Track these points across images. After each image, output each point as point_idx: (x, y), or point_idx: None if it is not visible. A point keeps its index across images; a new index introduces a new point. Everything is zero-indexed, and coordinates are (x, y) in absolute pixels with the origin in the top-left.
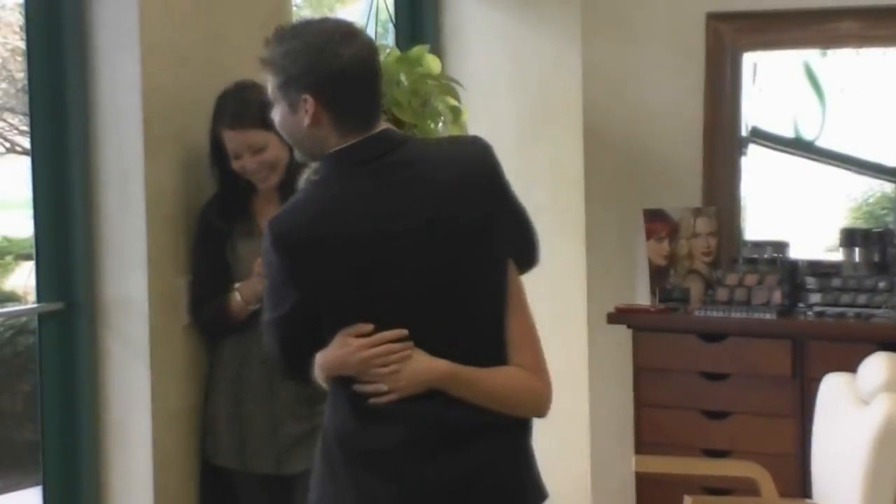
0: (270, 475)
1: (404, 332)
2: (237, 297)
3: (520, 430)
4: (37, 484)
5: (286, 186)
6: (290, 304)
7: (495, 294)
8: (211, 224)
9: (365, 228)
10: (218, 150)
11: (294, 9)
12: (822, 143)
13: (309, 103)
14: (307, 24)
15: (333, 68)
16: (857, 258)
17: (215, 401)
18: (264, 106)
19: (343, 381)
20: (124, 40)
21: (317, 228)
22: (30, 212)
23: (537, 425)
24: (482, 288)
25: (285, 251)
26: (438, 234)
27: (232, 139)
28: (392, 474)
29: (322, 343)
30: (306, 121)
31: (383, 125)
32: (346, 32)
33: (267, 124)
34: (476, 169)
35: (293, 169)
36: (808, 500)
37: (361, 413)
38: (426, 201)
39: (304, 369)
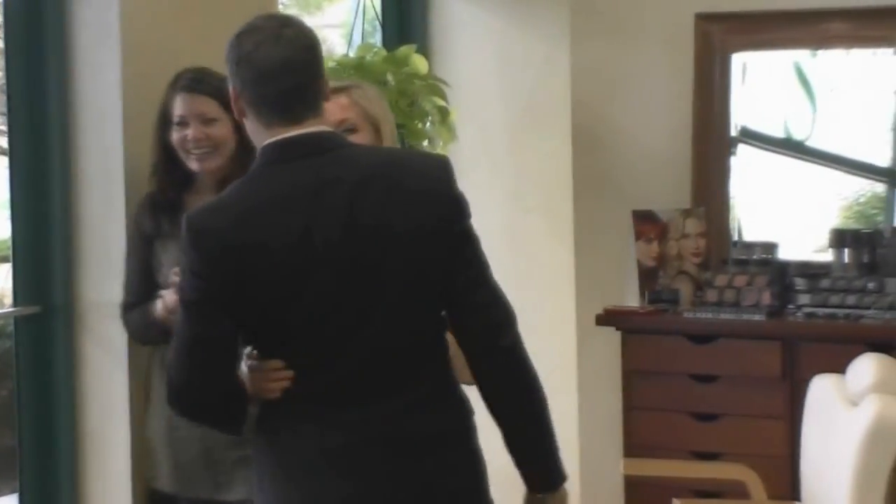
0: (209, 500)
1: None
2: (158, 305)
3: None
4: (13, 491)
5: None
6: (200, 297)
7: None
8: (140, 223)
9: (283, 237)
10: (163, 127)
11: (280, 6)
12: (812, 143)
13: (232, 93)
14: (251, 20)
15: (243, 60)
16: (846, 259)
17: (149, 422)
18: (224, 84)
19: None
20: (105, 40)
21: (236, 234)
22: (7, 213)
23: None
24: (404, 310)
25: (202, 250)
26: (358, 249)
27: (184, 103)
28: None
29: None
30: (235, 112)
31: (319, 127)
32: (274, 26)
33: (223, 102)
34: (428, 198)
35: (238, 174)
36: (797, 503)
37: (300, 418)
38: (352, 211)
39: (217, 394)
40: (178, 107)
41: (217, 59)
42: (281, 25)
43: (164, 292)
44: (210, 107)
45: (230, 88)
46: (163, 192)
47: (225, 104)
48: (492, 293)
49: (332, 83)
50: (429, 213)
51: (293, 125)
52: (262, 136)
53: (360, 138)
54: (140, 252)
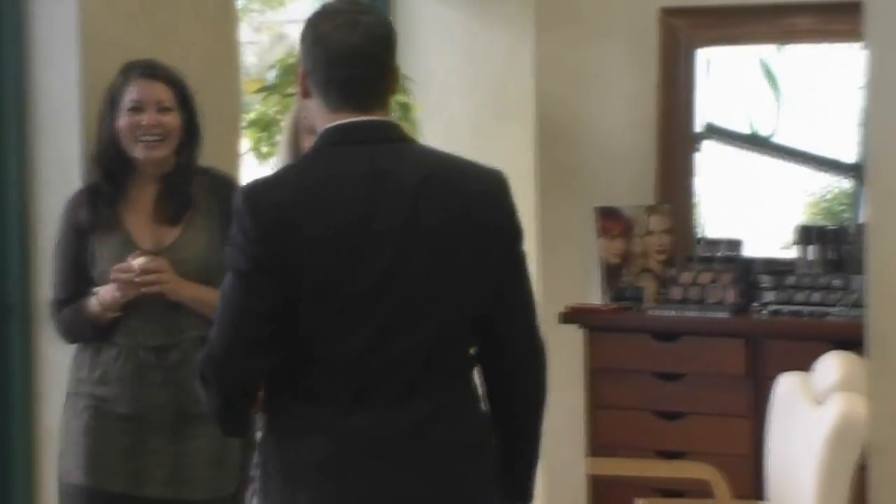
0: (125, 495)
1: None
2: (94, 302)
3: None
4: None
5: (170, 181)
6: (252, 268)
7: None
8: (75, 214)
9: (340, 219)
10: (111, 114)
11: (240, 3)
12: (778, 139)
13: (300, 73)
14: (329, 2)
15: (319, 40)
16: (811, 256)
17: (70, 420)
18: (175, 75)
19: (275, 404)
20: (62, 36)
21: (293, 209)
22: None
23: None
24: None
25: (258, 220)
26: (415, 246)
27: (141, 89)
28: (318, 490)
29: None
30: (300, 91)
31: (385, 117)
32: (353, 11)
33: (177, 92)
34: (487, 210)
35: (182, 168)
36: (761, 502)
37: (292, 425)
38: (416, 207)
39: (254, 371)
40: (134, 92)
41: (175, 54)
42: (360, 12)
43: (99, 289)
44: (166, 94)
45: (299, 68)
46: (107, 181)
47: (178, 95)
48: (533, 327)
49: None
50: (488, 230)
51: (359, 113)
52: (325, 119)
53: None
54: (73, 247)
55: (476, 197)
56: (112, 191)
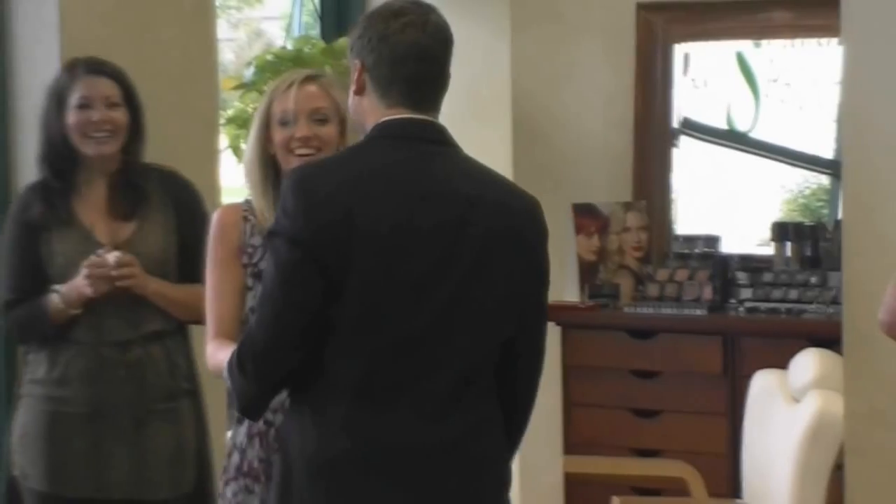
0: (88, 499)
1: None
2: (56, 299)
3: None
4: None
5: (122, 177)
6: (296, 258)
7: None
8: (27, 212)
9: (389, 213)
10: (59, 111)
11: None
12: (755, 135)
13: (357, 68)
14: (392, 1)
15: (387, 37)
16: (788, 252)
17: (27, 423)
18: (122, 70)
19: (301, 397)
20: (44, 35)
21: (342, 196)
22: None
23: None
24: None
25: (306, 205)
26: (458, 252)
27: (88, 85)
28: (345, 489)
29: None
30: (354, 87)
31: (435, 118)
32: (421, 12)
33: (123, 86)
34: (527, 229)
35: (131, 164)
36: (738, 501)
37: (321, 421)
38: (463, 217)
39: (292, 362)
40: (82, 89)
41: (152, 52)
42: (427, 12)
43: (61, 286)
44: (114, 90)
45: (355, 62)
46: (56, 178)
47: (124, 91)
48: (543, 349)
49: (303, 71)
50: (526, 248)
51: (413, 111)
52: (378, 114)
53: (330, 130)
54: (25, 245)
55: (519, 214)
56: (63, 187)
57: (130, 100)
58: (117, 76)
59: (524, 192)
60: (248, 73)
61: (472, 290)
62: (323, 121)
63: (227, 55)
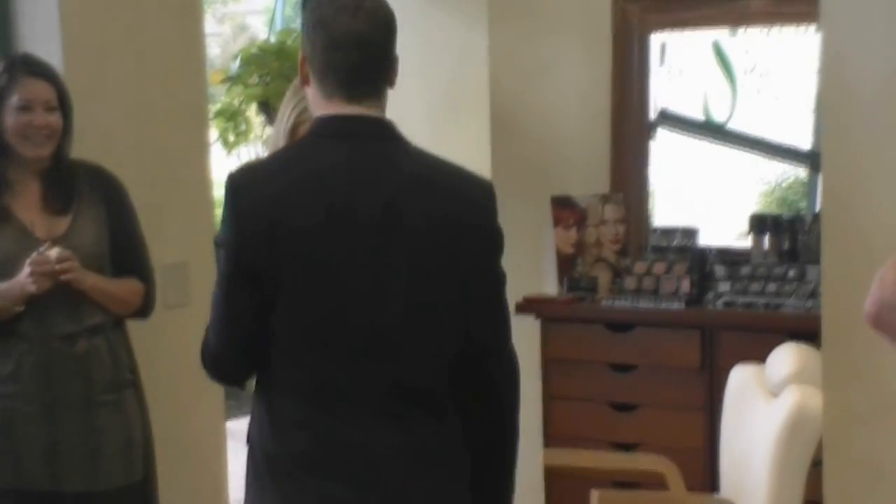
0: (47, 492)
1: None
2: None
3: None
4: None
5: (54, 173)
6: (231, 270)
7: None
8: None
9: (317, 217)
10: None
11: None
12: (732, 126)
13: (300, 61)
14: None
15: (319, 24)
16: (766, 246)
17: None
18: (55, 71)
19: (262, 395)
20: (46, 32)
21: (276, 199)
22: None
23: None
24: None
25: (241, 209)
26: (400, 238)
27: (29, 88)
28: (301, 486)
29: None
30: (300, 78)
31: (378, 112)
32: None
33: (58, 88)
34: (473, 216)
35: (62, 160)
36: (715, 496)
37: (276, 419)
38: (395, 200)
39: (243, 366)
40: (23, 92)
41: (140, 47)
42: (359, 4)
43: (1, 284)
44: (52, 94)
45: (300, 54)
46: None
47: (58, 93)
48: (506, 343)
49: None
50: (468, 243)
51: (353, 103)
52: (320, 106)
53: None
54: None
55: (463, 201)
56: (1, 186)
57: (63, 101)
58: (54, 79)
59: (473, 178)
60: (234, 66)
61: (415, 284)
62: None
63: (214, 49)
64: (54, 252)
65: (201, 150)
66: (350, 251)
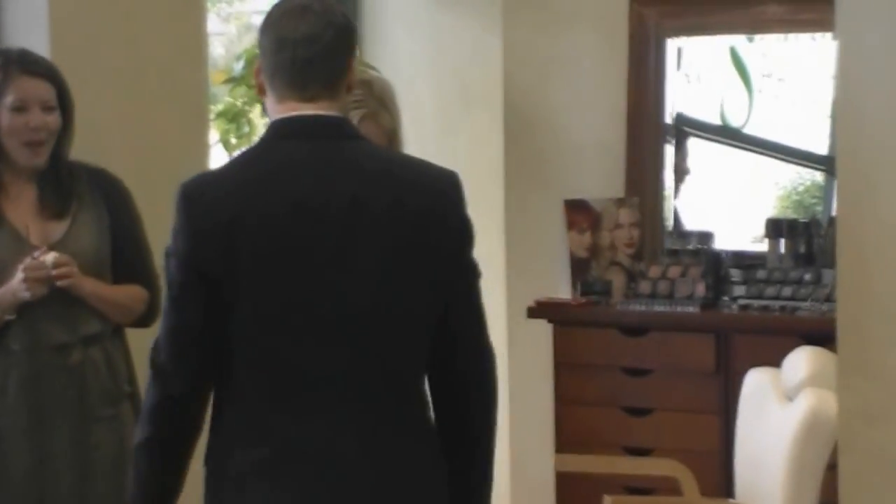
0: None
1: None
2: None
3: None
4: None
5: (52, 176)
6: (185, 279)
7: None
8: None
9: (274, 219)
10: None
11: None
12: (748, 131)
13: (257, 67)
14: None
15: (267, 27)
16: (782, 249)
17: None
18: (55, 67)
19: (219, 402)
20: (34, 18)
21: (229, 205)
22: None
23: None
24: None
25: (192, 218)
26: (363, 236)
27: (25, 86)
28: (265, 494)
29: (220, 348)
30: (256, 89)
31: (332, 111)
32: (304, 1)
33: (57, 86)
34: (438, 209)
35: (61, 162)
36: (730, 500)
37: (237, 429)
38: (356, 198)
39: (187, 381)
40: (18, 90)
41: (142, 45)
42: (312, 0)
43: None
44: (50, 92)
45: (256, 64)
46: None
47: (58, 90)
48: (481, 335)
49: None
50: (435, 234)
51: (305, 102)
52: (275, 111)
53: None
54: None
55: (427, 194)
56: None
57: (63, 99)
58: (52, 76)
59: (436, 170)
60: (238, 66)
61: (383, 277)
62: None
63: (217, 49)
64: (50, 257)
65: (201, 151)
66: (314, 246)
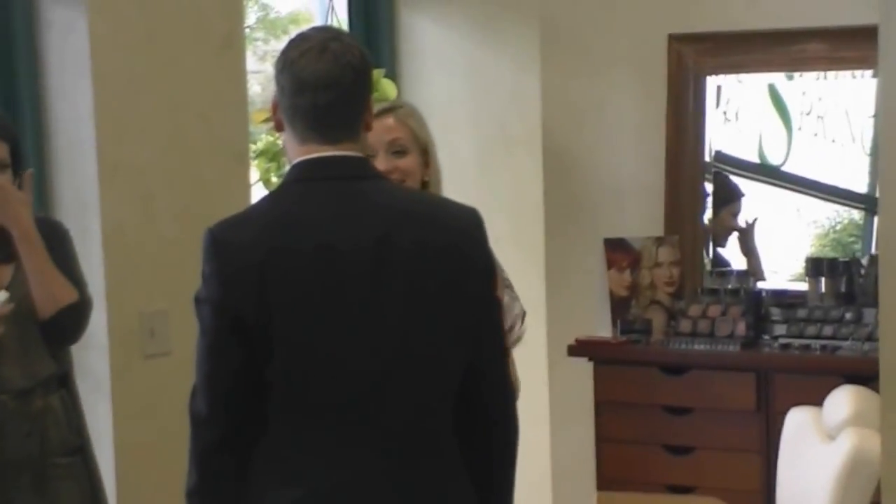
0: None
1: None
2: None
3: None
4: None
5: None
6: (219, 324)
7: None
8: None
9: (305, 261)
10: None
11: (247, 31)
12: (788, 169)
13: (274, 103)
14: (303, 30)
15: (286, 68)
16: (822, 288)
17: None
18: (10, 124)
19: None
20: (76, 66)
21: (258, 248)
22: None
23: None
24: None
25: (223, 262)
26: (390, 276)
27: None
28: None
29: (257, 385)
30: (274, 125)
31: (355, 152)
32: (322, 38)
33: (12, 144)
34: (461, 247)
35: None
36: None
37: (267, 476)
38: (382, 239)
39: (228, 428)
40: None
41: (187, 83)
42: (329, 38)
43: None
44: (4, 151)
45: (273, 100)
46: None
47: (12, 148)
48: (505, 370)
49: (377, 105)
50: (459, 271)
51: (327, 145)
52: (295, 152)
53: (410, 161)
54: None
55: (450, 232)
56: None
57: (15, 154)
58: (7, 133)
59: (458, 208)
60: None
61: (410, 318)
62: (401, 152)
63: (254, 87)
64: (2, 294)
65: (242, 190)
66: (342, 287)
